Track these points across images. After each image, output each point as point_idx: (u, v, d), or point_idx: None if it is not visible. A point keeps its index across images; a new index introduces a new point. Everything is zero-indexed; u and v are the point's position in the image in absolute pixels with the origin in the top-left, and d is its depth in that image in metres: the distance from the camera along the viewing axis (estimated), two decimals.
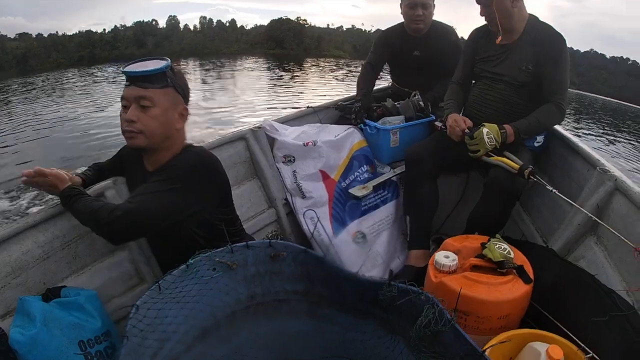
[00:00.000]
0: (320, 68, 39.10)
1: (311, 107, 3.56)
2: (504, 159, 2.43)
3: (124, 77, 1.75)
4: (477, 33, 2.88)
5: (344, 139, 3.11)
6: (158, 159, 1.81)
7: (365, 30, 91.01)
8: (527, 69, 2.57)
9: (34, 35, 57.31)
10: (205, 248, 1.35)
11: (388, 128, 3.06)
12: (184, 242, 1.79)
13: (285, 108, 15.31)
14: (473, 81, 2.99)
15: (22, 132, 12.72)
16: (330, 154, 2.99)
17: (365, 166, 3.11)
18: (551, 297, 1.90)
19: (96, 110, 15.65)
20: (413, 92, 3.27)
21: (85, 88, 23.36)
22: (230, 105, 15.42)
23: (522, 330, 1.70)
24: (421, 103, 3.17)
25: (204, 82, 25.23)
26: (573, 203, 2.23)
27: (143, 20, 68.31)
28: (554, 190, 2.25)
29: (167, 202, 1.67)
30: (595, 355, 1.53)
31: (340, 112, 3.57)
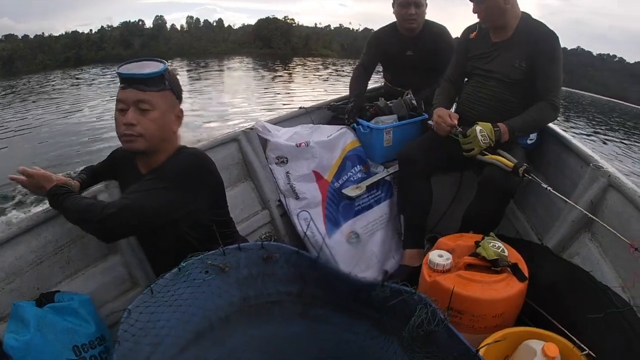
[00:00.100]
0: (306, 68, 39.11)
1: (303, 107, 3.55)
2: (499, 157, 2.42)
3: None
4: (469, 31, 2.88)
5: (337, 139, 3.10)
6: (153, 161, 1.80)
7: (352, 29, 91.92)
8: (520, 67, 2.57)
9: (20, 37, 57.24)
10: (198, 250, 1.35)
11: (381, 127, 3.06)
12: (177, 244, 1.78)
13: (272, 108, 15.40)
14: (466, 79, 2.99)
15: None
16: (323, 155, 2.99)
17: (358, 166, 3.11)
18: (546, 295, 1.90)
19: (63, 117, 15.56)
20: (406, 92, 3.26)
21: (63, 91, 23.07)
22: (210, 107, 15.49)
23: (517, 329, 1.70)
24: (414, 102, 3.17)
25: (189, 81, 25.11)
26: (567, 200, 2.23)
27: (130, 21, 68.54)
28: (549, 188, 2.25)
29: (162, 200, 1.67)
30: (591, 353, 1.53)
31: (332, 113, 3.57)
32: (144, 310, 1.20)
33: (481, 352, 1.06)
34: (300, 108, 3.54)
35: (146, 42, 61.83)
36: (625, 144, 18.33)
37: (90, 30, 61.75)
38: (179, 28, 72.48)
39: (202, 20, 75.80)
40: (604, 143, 17.50)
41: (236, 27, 79.53)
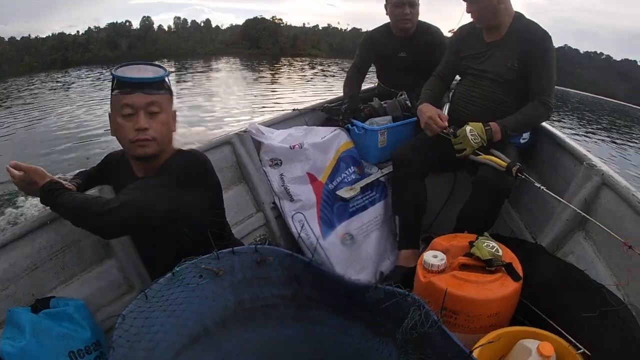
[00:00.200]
0: (293, 68, 39.07)
1: (297, 109, 3.54)
2: (491, 157, 2.42)
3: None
4: (462, 31, 2.89)
5: (331, 140, 3.10)
6: (153, 164, 1.79)
7: (341, 29, 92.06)
8: (512, 67, 2.57)
9: (6, 39, 56.24)
10: (195, 252, 1.35)
11: (376, 128, 3.05)
12: (176, 245, 1.75)
13: (261, 110, 15.40)
14: (458, 77, 3.00)
15: None
16: (317, 156, 2.98)
17: (352, 167, 3.10)
18: (541, 294, 1.90)
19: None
20: (400, 92, 3.26)
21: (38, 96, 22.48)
22: (194, 110, 15.40)
23: (512, 328, 1.70)
24: (408, 103, 3.17)
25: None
26: (561, 199, 2.23)
27: (117, 22, 68.19)
28: (542, 187, 2.25)
29: (165, 197, 1.67)
30: (586, 351, 1.53)
31: (326, 114, 3.56)
32: (138, 316, 1.20)
33: (476, 353, 1.07)
34: (293, 110, 3.53)
35: (133, 43, 61.83)
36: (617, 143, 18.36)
37: (77, 31, 61.98)
38: (166, 29, 72.55)
39: (189, 21, 76.27)
40: (594, 142, 17.51)
41: (224, 27, 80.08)
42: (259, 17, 70.04)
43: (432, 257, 1.92)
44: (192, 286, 1.32)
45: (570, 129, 19.33)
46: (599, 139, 18.58)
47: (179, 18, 77.26)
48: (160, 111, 1.71)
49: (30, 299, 1.84)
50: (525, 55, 2.52)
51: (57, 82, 28.62)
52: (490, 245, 1.92)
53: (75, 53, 53.99)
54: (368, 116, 3.23)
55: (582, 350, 1.53)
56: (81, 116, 15.18)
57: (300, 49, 66.50)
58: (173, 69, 34.20)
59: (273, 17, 73.21)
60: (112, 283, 2.18)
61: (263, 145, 2.96)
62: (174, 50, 59.92)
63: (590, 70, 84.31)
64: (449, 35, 2.96)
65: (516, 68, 2.55)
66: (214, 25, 76.70)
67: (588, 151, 2.51)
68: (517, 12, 2.61)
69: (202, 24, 74.77)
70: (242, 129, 2.98)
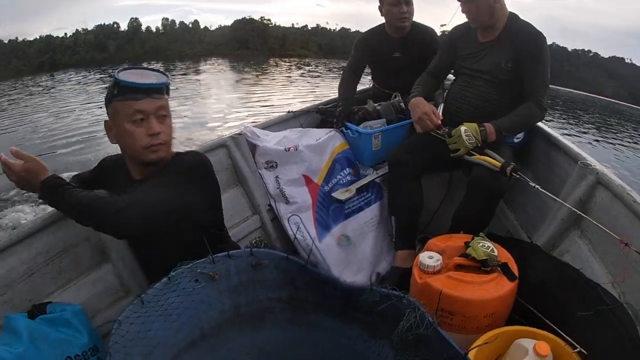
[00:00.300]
0: (279, 69, 39.06)
1: (292, 111, 3.54)
2: (486, 157, 2.43)
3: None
4: (456, 31, 2.89)
5: (326, 142, 3.10)
6: (155, 167, 1.78)
7: (330, 29, 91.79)
8: (506, 67, 2.57)
9: None
10: (194, 252, 1.35)
11: (370, 132, 3.05)
12: (172, 247, 1.74)
13: (254, 112, 15.32)
14: (453, 77, 3.00)
15: None
16: (312, 158, 2.98)
17: (347, 169, 3.10)
18: (537, 293, 1.91)
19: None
20: (394, 94, 3.26)
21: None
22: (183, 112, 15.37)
23: (509, 328, 1.70)
24: (402, 105, 3.16)
25: None
26: (556, 198, 2.23)
27: (104, 23, 68.20)
28: (537, 187, 2.26)
29: (174, 195, 1.67)
30: (582, 350, 1.54)
31: (321, 116, 3.56)
32: (135, 321, 1.20)
33: (472, 353, 1.07)
34: (288, 112, 3.52)
35: (121, 45, 61.87)
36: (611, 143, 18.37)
37: (65, 34, 62.19)
38: (154, 30, 72.45)
39: (177, 22, 76.08)
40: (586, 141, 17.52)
41: (213, 28, 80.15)
42: (248, 17, 70.70)
43: (428, 258, 1.93)
44: (188, 290, 1.32)
45: (561, 128, 19.34)
46: (593, 139, 18.61)
47: (167, 19, 77.08)
48: (167, 114, 1.74)
49: (27, 305, 1.82)
50: (520, 55, 2.52)
51: (39, 85, 28.29)
52: (486, 245, 1.92)
53: (63, 56, 54.05)
54: (362, 119, 3.22)
55: (578, 349, 1.54)
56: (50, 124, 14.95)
57: (289, 49, 66.70)
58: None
59: (262, 17, 73.82)
60: (108, 288, 2.17)
61: (258, 147, 2.96)
62: (162, 51, 59.97)
63: (579, 67, 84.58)
64: (441, 30, 2.97)
65: (510, 68, 2.56)
66: (202, 27, 77.06)
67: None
68: (511, 13, 2.62)
69: (191, 25, 74.81)
70: (237, 132, 2.97)
